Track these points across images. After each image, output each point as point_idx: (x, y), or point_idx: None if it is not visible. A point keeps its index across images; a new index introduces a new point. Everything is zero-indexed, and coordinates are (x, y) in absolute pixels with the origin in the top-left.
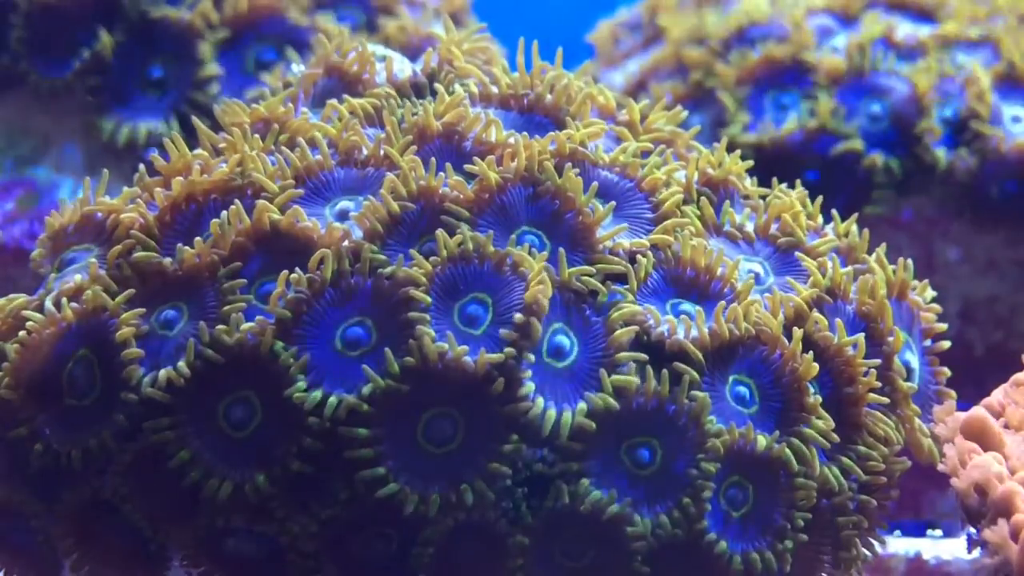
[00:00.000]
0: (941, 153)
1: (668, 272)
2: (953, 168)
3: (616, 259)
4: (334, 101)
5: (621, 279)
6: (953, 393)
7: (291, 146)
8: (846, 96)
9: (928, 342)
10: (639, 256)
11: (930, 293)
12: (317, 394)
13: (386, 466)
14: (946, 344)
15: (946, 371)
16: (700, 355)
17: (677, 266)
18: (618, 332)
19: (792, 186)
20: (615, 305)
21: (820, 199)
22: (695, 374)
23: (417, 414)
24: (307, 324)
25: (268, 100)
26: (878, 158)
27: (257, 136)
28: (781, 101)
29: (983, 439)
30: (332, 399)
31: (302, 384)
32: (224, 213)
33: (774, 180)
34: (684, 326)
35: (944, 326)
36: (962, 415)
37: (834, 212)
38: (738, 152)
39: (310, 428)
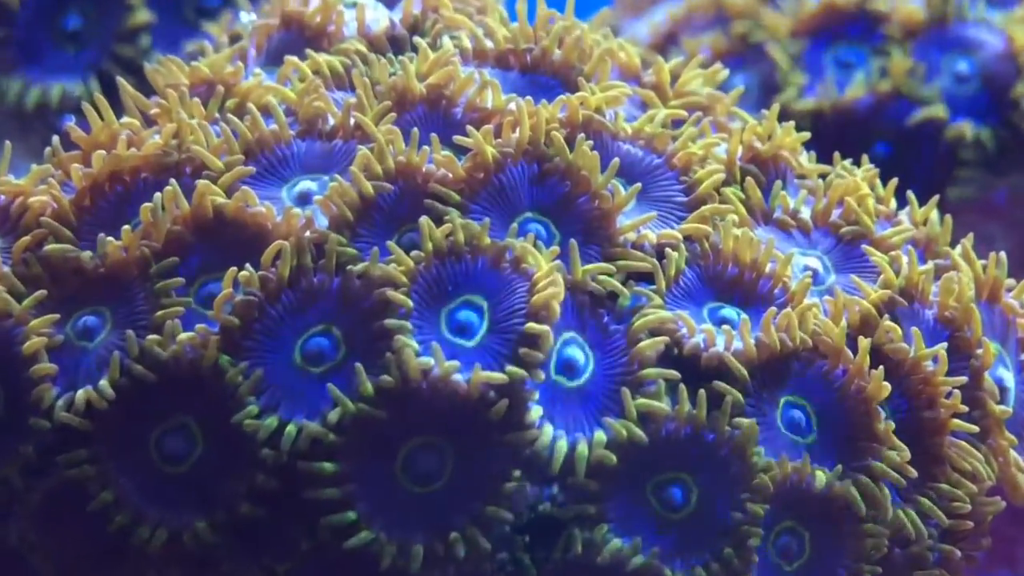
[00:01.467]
0: None
1: (705, 269)
2: None
3: (640, 254)
4: (293, 58)
5: (647, 278)
6: None
7: (240, 114)
8: (925, 52)
9: None
10: (668, 250)
11: None
12: (272, 420)
13: (357, 509)
14: None
15: None
16: (745, 371)
17: (716, 262)
18: (643, 344)
19: (858, 163)
20: (639, 310)
21: (894, 180)
22: (738, 395)
23: (396, 445)
24: (260, 334)
25: (212, 57)
26: (966, 128)
27: (197, 101)
28: (845, 58)
29: None
30: (290, 427)
31: (254, 408)
32: (157, 196)
33: (836, 155)
34: (725, 336)
35: None
36: None
37: (910, 195)
38: (792, 122)
39: (263, 462)
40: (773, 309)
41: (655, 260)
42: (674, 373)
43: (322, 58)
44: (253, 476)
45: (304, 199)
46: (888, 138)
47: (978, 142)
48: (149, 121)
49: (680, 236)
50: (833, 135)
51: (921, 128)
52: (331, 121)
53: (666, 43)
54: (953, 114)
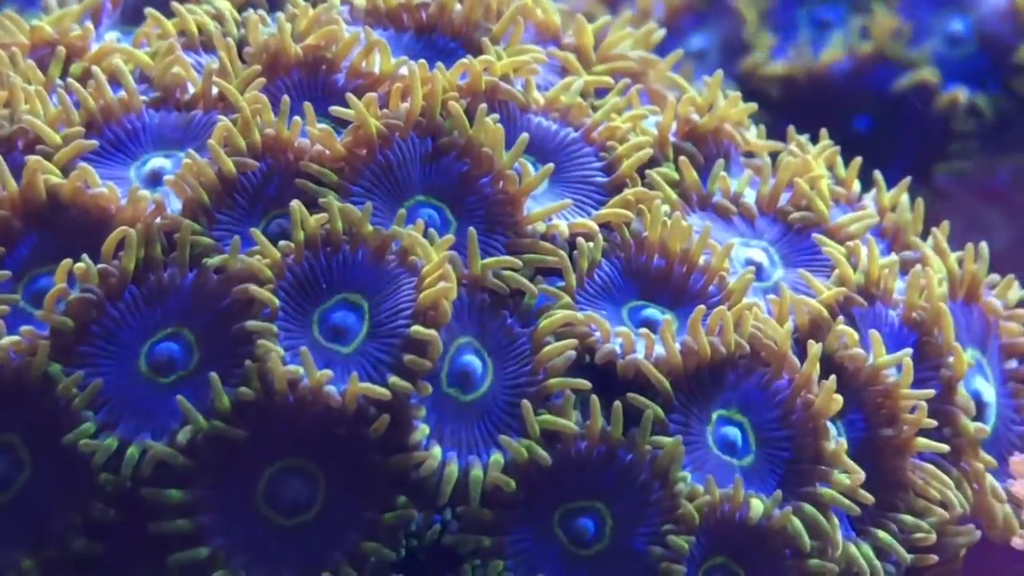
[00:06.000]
0: None
1: (627, 262)
2: None
3: (550, 246)
4: (155, 12)
5: (559, 274)
6: None
7: (85, 80)
8: (914, 8)
9: (1012, 363)
10: (581, 240)
11: (1016, 293)
12: (111, 440)
13: (211, 544)
14: None
15: None
16: (666, 382)
17: (640, 253)
18: (548, 349)
19: (830, 137)
20: (546, 311)
21: (857, 159)
22: (659, 409)
23: (258, 469)
24: (98, 338)
25: (56, 13)
26: (960, 95)
27: (33, 64)
28: (821, 16)
29: None
30: (133, 448)
31: (90, 426)
32: None
33: (790, 130)
34: (645, 341)
35: None
36: None
37: (877, 176)
38: (737, 93)
39: (101, 489)
40: (702, 308)
41: (565, 253)
42: (584, 383)
43: (191, 15)
44: (89, 505)
45: (156, 179)
46: (869, 109)
47: (975, 111)
48: None
49: (595, 227)
50: (807, 104)
51: (908, 96)
52: (191, 89)
53: None
54: (946, 80)
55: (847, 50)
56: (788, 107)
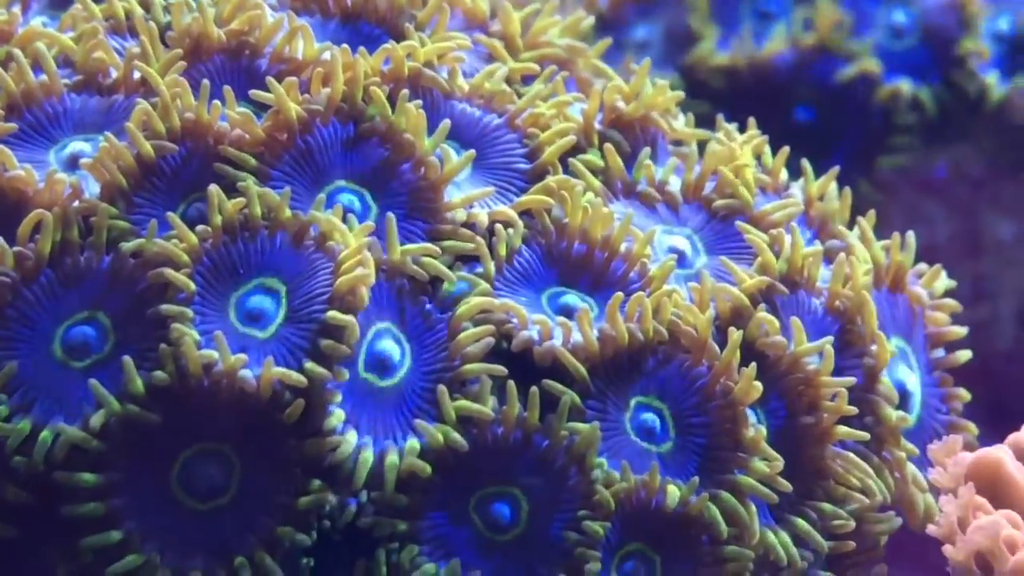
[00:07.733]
0: (992, 81)
1: (547, 249)
2: (1010, 104)
3: (469, 233)
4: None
5: (479, 261)
6: (971, 426)
7: (7, 63)
8: (857, 0)
9: (939, 352)
10: (500, 227)
11: (943, 283)
12: (25, 424)
13: (124, 528)
14: (964, 356)
15: (963, 394)
16: (583, 369)
17: (560, 239)
18: (464, 335)
19: (775, 128)
20: (464, 298)
21: (785, 149)
22: (575, 396)
23: (172, 453)
24: (12, 321)
25: None
26: (902, 87)
27: None
28: (764, 7)
29: (996, 490)
30: (45, 432)
31: (3, 409)
32: None
33: (719, 118)
34: (562, 328)
35: (962, 331)
36: (968, 456)
37: (805, 165)
38: (664, 83)
39: (15, 472)
40: (620, 295)
41: (484, 240)
42: (500, 368)
43: (123, 1)
44: (2, 489)
45: (75, 163)
46: (811, 100)
47: (916, 103)
48: None
49: (515, 215)
50: (750, 97)
51: (850, 88)
52: (113, 74)
53: None
54: (888, 71)
55: (790, 41)
56: (731, 98)
